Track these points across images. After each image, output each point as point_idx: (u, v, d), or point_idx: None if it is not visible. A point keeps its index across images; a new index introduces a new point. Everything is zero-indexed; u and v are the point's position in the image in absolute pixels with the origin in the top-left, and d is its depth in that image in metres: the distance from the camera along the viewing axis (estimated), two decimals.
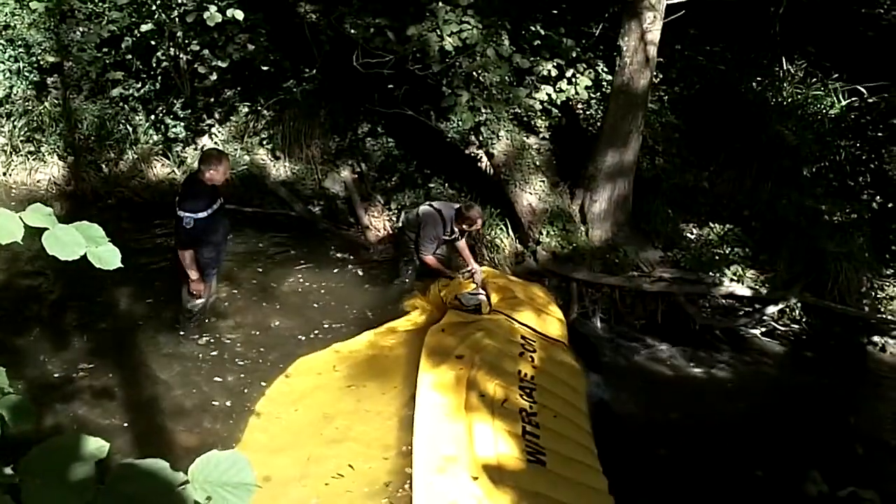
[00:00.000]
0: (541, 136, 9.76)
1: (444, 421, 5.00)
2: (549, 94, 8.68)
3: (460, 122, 8.27)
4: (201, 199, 5.97)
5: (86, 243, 1.63)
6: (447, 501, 4.29)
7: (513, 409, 5.19)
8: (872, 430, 6.51)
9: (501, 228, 8.94)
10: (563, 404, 5.57)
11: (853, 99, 9.59)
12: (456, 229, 7.60)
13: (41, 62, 10.57)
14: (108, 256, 1.68)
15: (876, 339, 8.04)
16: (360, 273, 8.37)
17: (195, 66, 10.27)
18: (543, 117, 9.74)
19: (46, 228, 1.59)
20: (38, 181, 10.35)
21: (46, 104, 10.60)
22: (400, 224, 8.53)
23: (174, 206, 6.07)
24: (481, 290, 7.24)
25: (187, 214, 5.86)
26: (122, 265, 1.69)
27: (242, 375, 6.20)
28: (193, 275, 6.15)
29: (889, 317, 8.12)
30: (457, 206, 7.76)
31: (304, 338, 6.90)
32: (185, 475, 1.47)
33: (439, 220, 7.54)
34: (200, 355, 6.44)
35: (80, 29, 10.46)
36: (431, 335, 6.13)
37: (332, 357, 6.33)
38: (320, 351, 6.46)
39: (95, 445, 1.47)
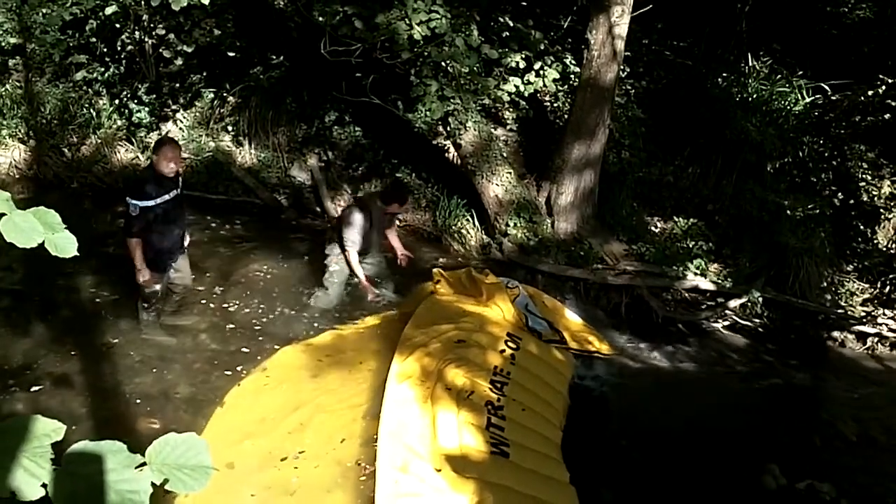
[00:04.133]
0: (508, 127, 9.79)
1: (409, 412, 4.99)
2: (517, 86, 8.69)
3: (429, 112, 8.25)
4: (149, 187, 5.82)
5: (43, 230, 1.60)
6: (410, 493, 4.29)
7: (479, 401, 5.17)
8: (831, 424, 6.58)
9: (468, 219, 8.96)
10: (535, 399, 5.55)
11: (817, 96, 9.71)
12: (388, 213, 7.21)
13: (2, 44, 10.41)
14: (64, 244, 1.64)
15: (836, 333, 8.16)
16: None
17: (160, 50, 10.18)
18: (511, 109, 9.77)
19: (4, 214, 1.56)
20: None
21: (8, 87, 10.46)
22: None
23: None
24: (541, 317, 6.77)
25: (132, 202, 5.73)
26: (78, 253, 1.66)
27: (205, 363, 6.14)
28: (138, 264, 5.95)
29: (849, 312, 8.24)
30: (376, 196, 7.42)
31: (267, 326, 6.85)
32: (143, 457, 1.45)
33: (362, 215, 7.07)
34: (163, 342, 6.36)
35: (43, 10, 10.31)
36: (409, 328, 6.09)
37: (304, 349, 6.28)
38: (294, 343, 6.39)
39: (52, 427, 1.45)
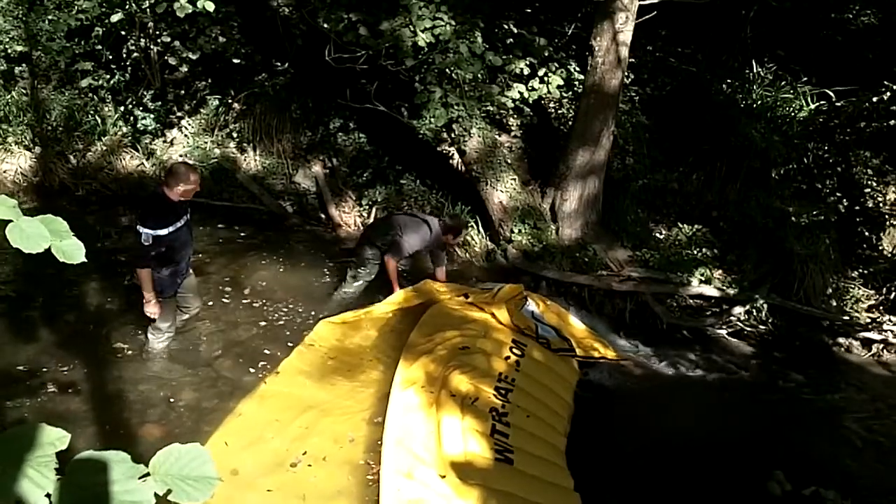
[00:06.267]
0: (513, 134, 9.79)
1: (414, 418, 5.00)
2: (521, 93, 8.70)
3: (433, 119, 8.25)
4: (163, 216, 5.54)
5: (50, 237, 1.61)
6: (415, 499, 4.29)
7: (483, 407, 5.18)
8: (836, 430, 6.58)
9: (472, 226, 8.96)
10: (540, 406, 5.55)
11: (821, 102, 9.71)
12: (442, 240, 7.25)
13: (9, 51, 10.43)
14: (71, 251, 1.65)
15: (841, 340, 8.14)
16: (330, 270, 8.34)
17: (166, 57, 10.20)
18: (515, 115, 9.77)
19: (10, 221, 1.57)
20: (4, 172, 10.23)
21: (14, 94, 10.48)
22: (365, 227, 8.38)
23: (138, 211, 5.68)
24: (548, 324, 6.76)
25: (146, 231, 5.43)
26: (85, 259, 1.66)
27: (210, 369, 6.15)
28: (148, 295, 5.71)
29: (854, 318, 8.22)
30: (436, 219, 7.37)
31: (271, 333, 6.86)
32: (146, 468, 1.46)
33: (428, 231, 7.09)
34: (167, 349, 6.37)
35: (49, 17, 10.34)
36: (415, 335, 6.10)
37: (311, 349, 6.26)
38: (301, 343, 6.36)
39: (56, 435, 1.46)
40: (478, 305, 6.79)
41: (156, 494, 1.43)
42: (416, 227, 7.07)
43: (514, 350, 6.08)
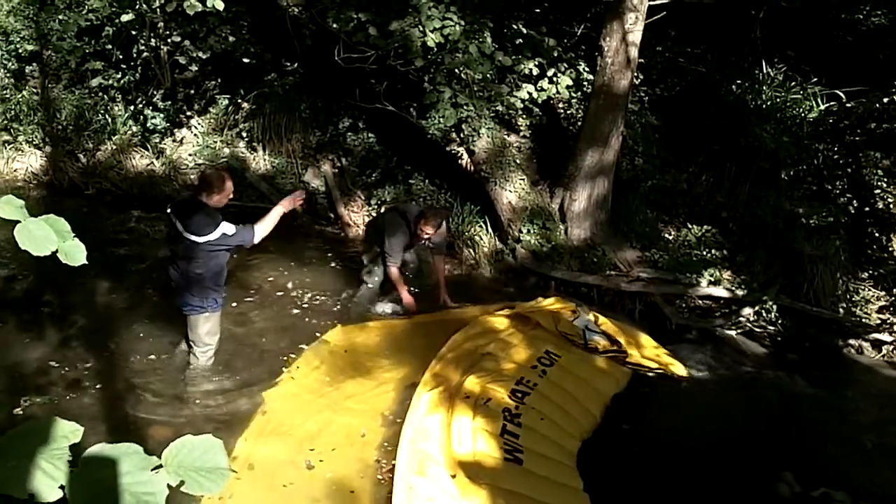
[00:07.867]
0: (522, 134, 9.79)
1: (428, 419, 5.04)
2: (530, 93, 8.70)
3: (442, 119, 8.26)
4: (211, 219, 5.36)
5: (57, 238, 1.62)
6: (425, 497, 4.31)
7: (496, 408, 5.20)
8: (846, 432, 6.55)
9: (481, 226, 8.96)
10: (556, 410, 5.56)
11: (831, 103, 9.66)
12: (417, 233, 7.03)
13: (20, 50, 10.50)
14: (73, 252, 1.66)
15: (851, 341, 8.10)
16: (339, 270, 8.35)
17: (176, 56, 10.24)
18: (524, 116, 9.76)
19: (18, 221, 1.58)
20: (14, 171, 10.29)
21: (24, 93, 10.54)
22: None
23: (170, 219, 5.48)
24: (598, 331, 6.71)
25: (204, 238, 5.32)
26: (87, 262, 1.68)
27: (219, 368, 6.15)
28: (276, 214, 5.60)
29: (864, 320, 8.18)
30: (417, 210, 7.24)
31: (280, 332, 6.87)
32: (159, 459, 1.47)
33: (403, 224, 6.99)
34: (176, 347, 6.39)
35: (60, 17, 10.39)
36: (445, 349, 6.14)
37: (325, 350, 6.33)
38: (317, 345, 6.41)
39: (69, 429, 1.47)
40: (522, 315, 6.81)
41: (169, 486, 1.44)
42: (395, 225, 7.02)
43: (544, 359, 6.12)
